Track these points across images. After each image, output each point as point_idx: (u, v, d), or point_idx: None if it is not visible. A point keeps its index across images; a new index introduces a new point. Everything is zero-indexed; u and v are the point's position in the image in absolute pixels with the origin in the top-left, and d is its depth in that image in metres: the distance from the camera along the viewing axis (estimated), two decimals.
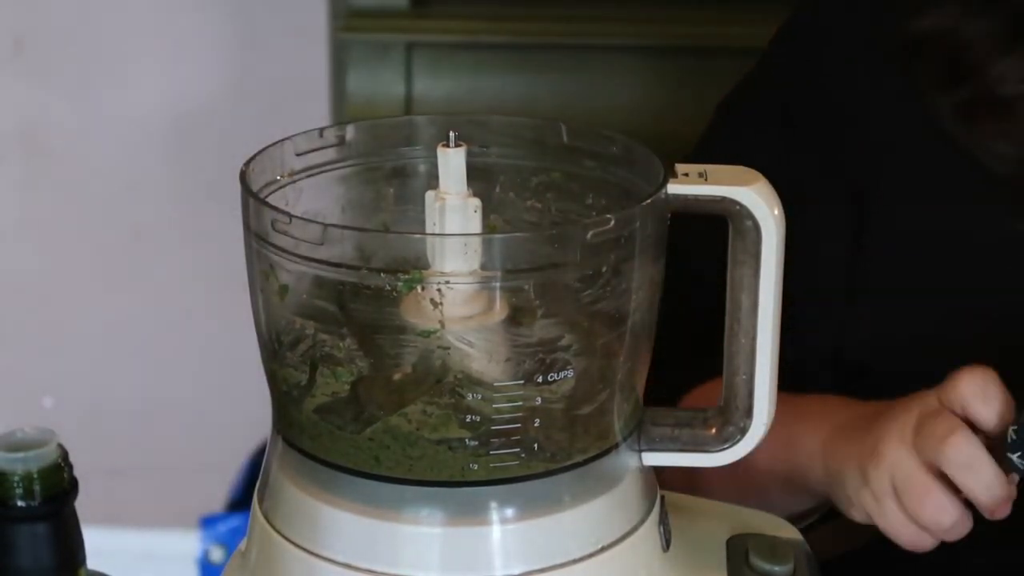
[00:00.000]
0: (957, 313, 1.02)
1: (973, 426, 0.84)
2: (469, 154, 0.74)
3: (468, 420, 0.69)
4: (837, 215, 1.05)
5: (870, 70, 1.06)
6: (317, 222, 0.70)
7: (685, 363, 0.96)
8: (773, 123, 1.09)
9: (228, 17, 2.06)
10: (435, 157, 0.74)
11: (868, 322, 1.04)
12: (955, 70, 1.02)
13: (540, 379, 0.70)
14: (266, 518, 0.74)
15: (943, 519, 0.85)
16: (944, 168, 1.03)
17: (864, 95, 1.06)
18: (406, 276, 0.69)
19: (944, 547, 0.91)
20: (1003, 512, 0.84)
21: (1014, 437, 0.82)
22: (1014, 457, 0.82)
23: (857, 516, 0.89)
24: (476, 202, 0.73)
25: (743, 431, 0.75)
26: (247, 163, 0.75)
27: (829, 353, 1.05)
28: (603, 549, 0.72)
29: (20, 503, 0.67)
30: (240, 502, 2.01)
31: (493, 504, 0.70)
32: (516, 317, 0.71)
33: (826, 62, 1.08)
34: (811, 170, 1.05)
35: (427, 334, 0.70)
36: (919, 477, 0.85)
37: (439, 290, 0.69)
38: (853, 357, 1.05)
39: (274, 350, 0.73)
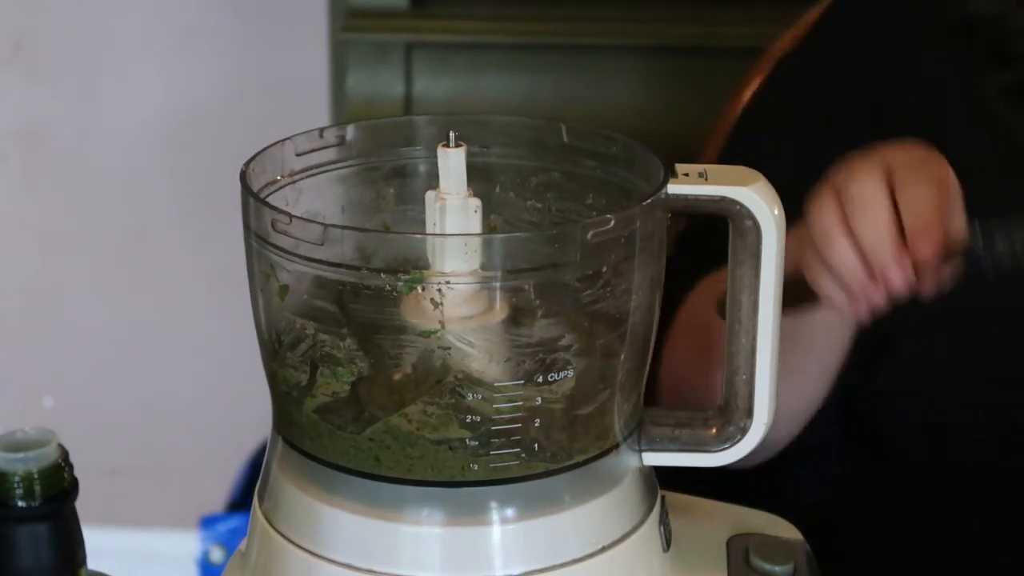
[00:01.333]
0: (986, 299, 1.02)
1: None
2: (469, 154, 0.74)
3: (468, 420, 0.69)
4: None
5: (910, 59, 1.06)
6: (317, 222, 0.70)
7: None
8: (809, 122, 1.09)
9: (228, 17, 2.06)
10: (435, 157, 0.74)
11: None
12: (1004, 53, 1.03)
13: (540, 379, 0.70)
14: (266, 518, 0.74)
15: (845, 261, 0.82)
16: (982, 154, 1.03)
17: (904, 86, 1.06)
18: (406, 276, 0.69)
19: (937, 549, 0.92)
20: (892, 278, 0.81)
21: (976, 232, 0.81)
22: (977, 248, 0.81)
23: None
24: (476, 202, 0.73)
25: (743, 431, 0.75)
26: (247, 163, 0.75)
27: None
28: (603, 549, 0.72)
29: (20, 503, 0.67)
30: (240, 502, 2.01)
31: (493, 504, 0.70)
32: (516, 317, 0.71)
33: (864, 52, 1.08)
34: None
35: (427, 334, 0.70)
36: (828, 220, 0.82)
37: (439, 290, 0.69)
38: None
39: (274, 350, 0.73)
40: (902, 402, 1.03)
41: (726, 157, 1.14)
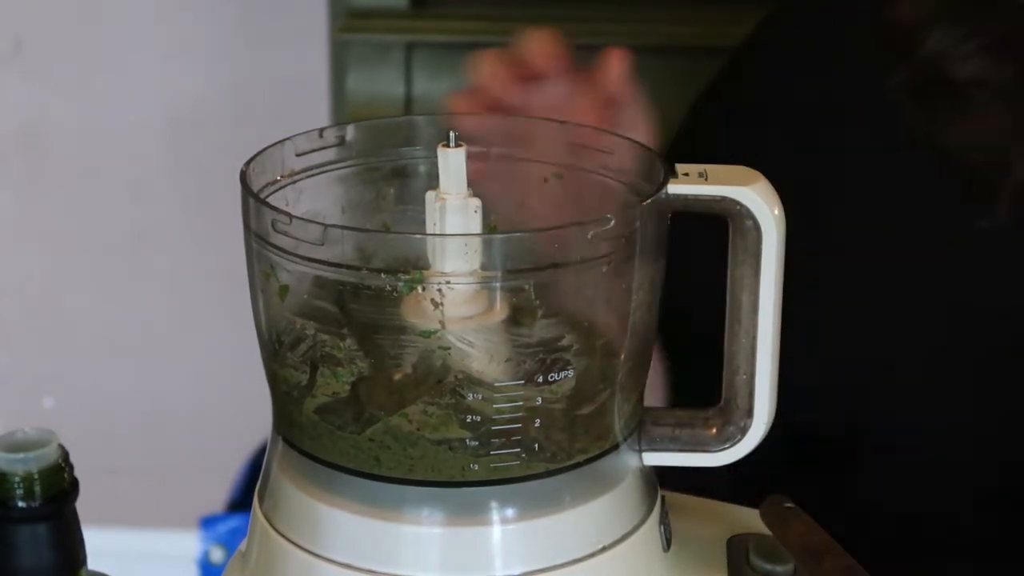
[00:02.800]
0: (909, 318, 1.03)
1: None
2: (469, 154, 0.74)
3: (468, 420, 0.69)
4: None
5: (844, 70, 1.06)
6: (317, 222, 0.70)
7: None
8: (748, 123, 1.09)
9: (228, 17, 2.06)
10: (435, 157, 0.74)
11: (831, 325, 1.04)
12: (904, 48, 1.03)
13: (540, 379, 0.70)
14: (266, 518, 0.74)
15: None
16: (907, 170, 1.03)
17: (838, 95, 1.06)
18: (406, 276, 0.69)
19: (926, 556, 0.92)
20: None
21: None
22: None
23: None
24: (476, 202, 0.73)
25: (743, 431, 0.75)
26: (247, 163, 0.75)
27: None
28: (604, 549, 0.72)
29: (21, 504, 0.67)
30: (240, 502, 2.01)
31: (493, 504, 0.70)
32: (516, 317, 0.71)
33: (801, 62, 1.09)
34: (784, 170, 1.05)
35: (427, 334, 0.69)
36: None
37: (439, 290, 0.69)
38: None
39: (274, 350, 0.73)
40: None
41: (673, 152, 1.15)
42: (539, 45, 0.89)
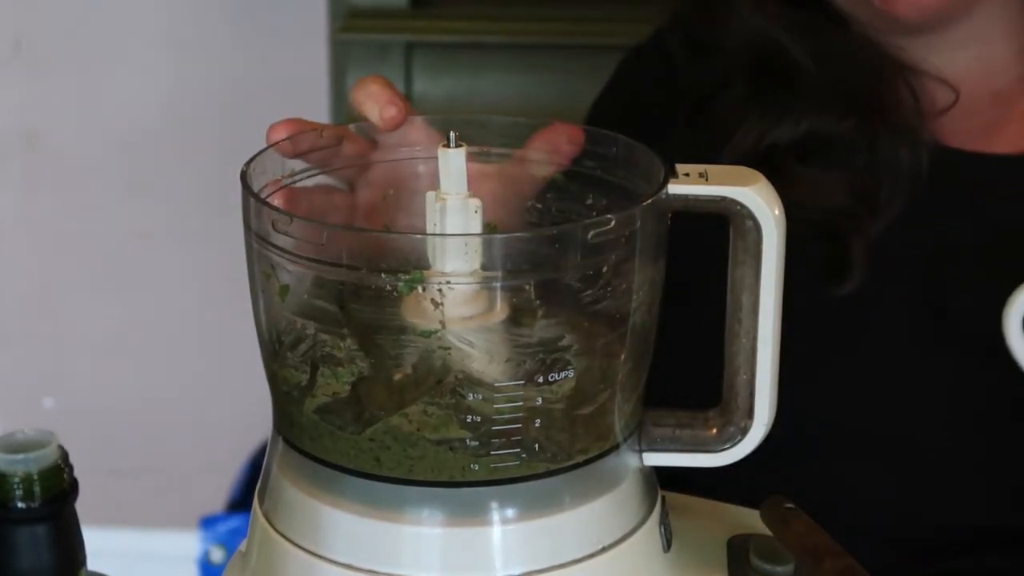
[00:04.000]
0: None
1: None
2: (469, 154, 0.74)
3: (469, 420, 0.69)
4: None
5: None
6: (318, 222, 0.70)
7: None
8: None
9: (228, 17, 2.06)
10: (435, 157, 0.74)
11: None
12: (716, 130, 1.06)
13: (541, 379, 0.70)
14: (267, 518, 0.74)
15: None
16: None
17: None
18: (407, 276, 0.69)
19: (919, 551, 0.92)
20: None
21: None
22: None
23: None
24: (476, 202, 0.73)
25: (744, 431, 0.75)
26: (247, 163, 0.75)
27: None
28: (604, 549, 0.72)
29: (20, 504, 0.67)
30: (240, 503, 2.01)
31: (494, 504, 0.70)
32: (517, 317, 0.71)
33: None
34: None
35: (428, 334, 0.69)
36: None
37: (440, 290, 0.69)
38: None
39: (275, 350, 0.73)
40: None
41: None
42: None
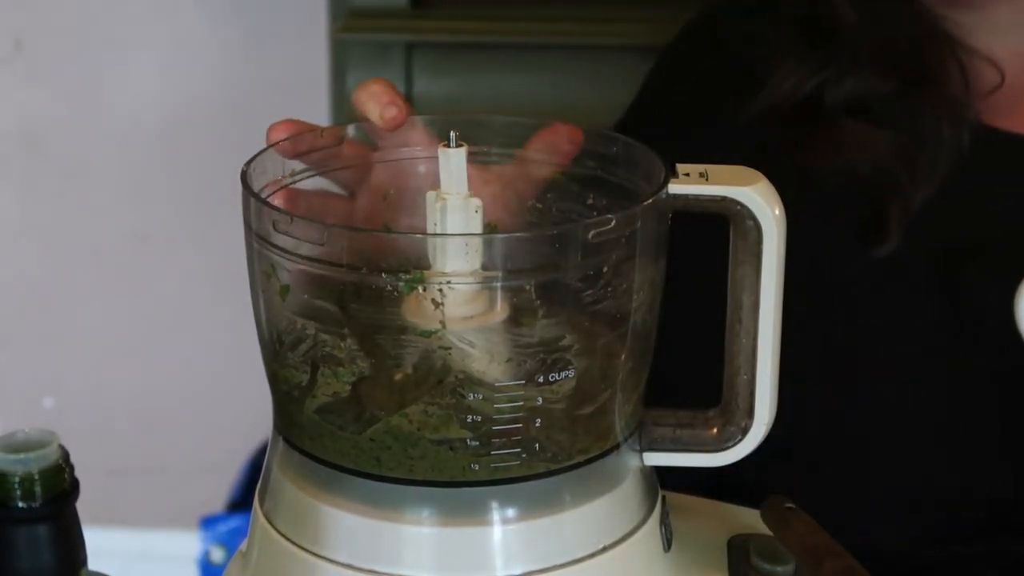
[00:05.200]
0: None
1: None
2: (470, 154, 0.74)
3: (469, 420, 0.69)
4: None
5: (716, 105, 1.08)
6: (318, 222, 0.70)
7: None
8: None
9: (228, 17, 2.06)
10: (436, 157, 0.74)
11: None
12: (755, 78, 1.05)
13: (541, 379, 0.70)
14: (267, 518, 0.74)
15: None
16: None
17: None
18: (407, 276, 0.69)
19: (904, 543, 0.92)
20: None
21: None
22: None
23: None
24: (477, 202, 0.73)
25: (744, 431, 0.75)
26: (248, 163, 0.75)
27: None
28: (604, 549, 0.72)
29: (21, 504, 0.67)
30: (240, 502, 2.01)
31: (494, 504, 0.70)
32: (517, 317, 0.71)
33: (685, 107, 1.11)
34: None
35: (428, 334, 0.69)
36: None
37: (440, 290, 0.69)
38: None
39: (275, 350, 0.73)
40: None
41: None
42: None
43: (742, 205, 0.72)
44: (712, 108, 1.09)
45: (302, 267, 0.70)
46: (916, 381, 1.01)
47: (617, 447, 0.73)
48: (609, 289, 0.71)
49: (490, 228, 0.75)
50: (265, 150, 0.77)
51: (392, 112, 0.80)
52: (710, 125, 1.08)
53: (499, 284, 0.70)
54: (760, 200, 0.72)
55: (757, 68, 1.07)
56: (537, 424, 0.70)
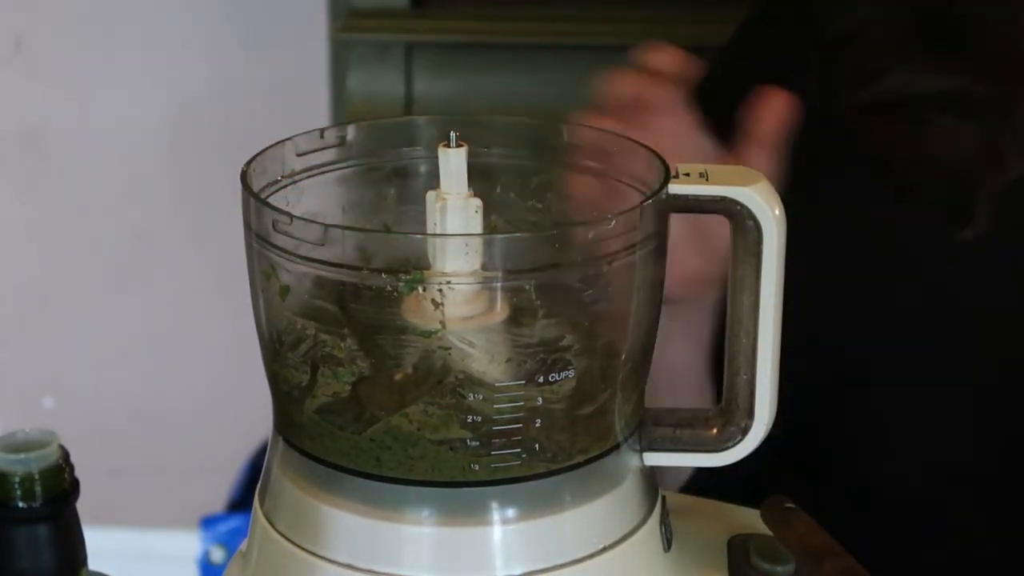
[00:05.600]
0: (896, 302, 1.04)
1: None
2: (470, 154, 0.74)
3: (469, 420, 0.69)
4: None
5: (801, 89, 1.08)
6: (318, 222, 0.70)
7: None
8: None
9: (228, 17, 2.06)
10: (436, 157, 0.74)
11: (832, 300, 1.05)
12: (865, 71, 1.04)
13: (541, 379, 0.70)
14: (267, 518, 0.74)
15: None
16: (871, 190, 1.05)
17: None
18: (407, 276, 0.69)
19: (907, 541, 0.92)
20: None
21: None
22: None
23: None
24: (477, 202, 0.73)
25: (744, 431, 0.75)
26: (248, 163, 0.75)
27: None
28: (604, 549, 0.72)
29: (21, 504, 0.67)
30: (240, 502, 2.02)
31: (494, 504, 0.70)
32: (517, 317, 0.71)
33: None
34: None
35: (428, 334, 0.69)
36: None
37: (440, 290, 0.69)
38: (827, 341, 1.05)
39: (275, 350, 0.73)
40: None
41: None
42: (666, 61, 0.90)
43: (742, 205, 0.72)
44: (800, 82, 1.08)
45: (302, 267, 0.70)
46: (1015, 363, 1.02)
47: (617, 447, 0.73)
48: (609, 289, 0.71)
49: (490, 228, 0.75)
50: (265, 150, 0.77)
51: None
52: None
53: (499, 284, 0.70)
54: (760, 200, 0.72)
55: (865, 58, 1.05)
56: (537, 424, 0.70)
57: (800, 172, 0.89)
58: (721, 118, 1.04)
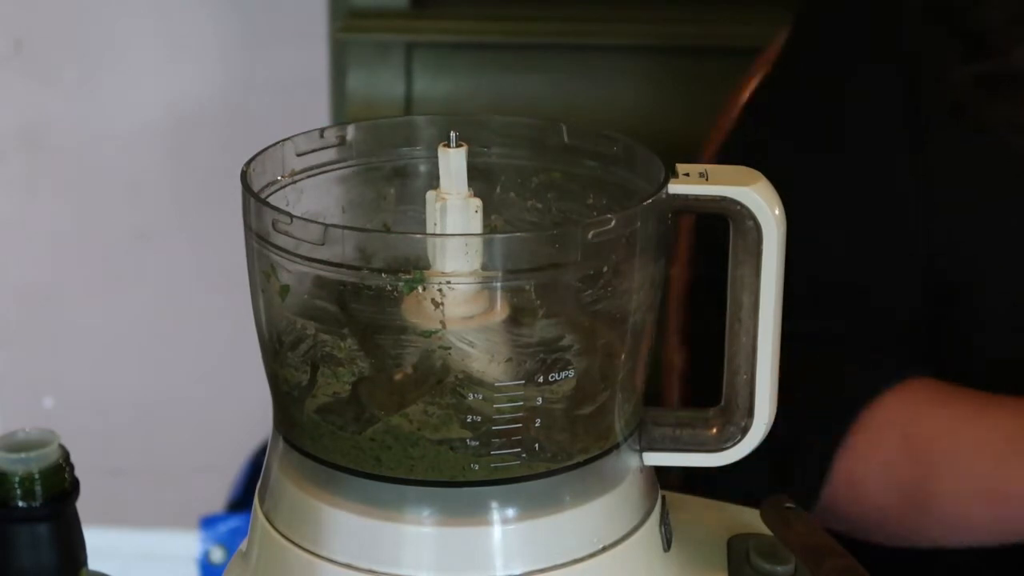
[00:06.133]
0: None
1: None
2: (470, 154, 0.74)
3: (469, 420, 0.69)
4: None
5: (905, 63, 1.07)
6: (318, 222, 0.70)
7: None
8: (805, 120, 1.10)
9: (228, 17, 2.06)
10: (436, 157, 0.74)
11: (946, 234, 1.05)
12: (978, 44, 1.04)
13: (541, 379, 0.70)
14: (267, 518, 0.74)
15: None
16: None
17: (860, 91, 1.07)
18: (407, 276, 0.69)
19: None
20: None
21: None
22: None
23: None
24: (477, 202, 0.73)
25: (744, 431, 0.75)
26: (248, 163, 0.75)
27: (915, 283, 1.06)
28: (604, 549, 0.72)
29: (21, 504, 0.67)
30: (240, 502, 2.01)
31: (494, 504, 0.70)
32: (517, 317, 0.71)
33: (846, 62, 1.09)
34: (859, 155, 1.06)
35: (428, 334, 0.69)
36: None
37: (440, 290, 0.69)
38: (939, 277, 1.05)
39: (275, 350, 0.73)
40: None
41: (725, 153, 1.15)
42: None
43: (742, 205, 0.72)
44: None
45: (302, 267, 0.70)
46: None
47: (617, 447, 0.73)
48: (609, 289, 0.71)
49: (490, 228, 0.75)
50: (265, 150, 0.77)
51: None
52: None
53: (499, 284, 0.70)
54: (760, 200, 0.72)
55: (988, 36, 1.05)
56: (537, 424, 0.70)
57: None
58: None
